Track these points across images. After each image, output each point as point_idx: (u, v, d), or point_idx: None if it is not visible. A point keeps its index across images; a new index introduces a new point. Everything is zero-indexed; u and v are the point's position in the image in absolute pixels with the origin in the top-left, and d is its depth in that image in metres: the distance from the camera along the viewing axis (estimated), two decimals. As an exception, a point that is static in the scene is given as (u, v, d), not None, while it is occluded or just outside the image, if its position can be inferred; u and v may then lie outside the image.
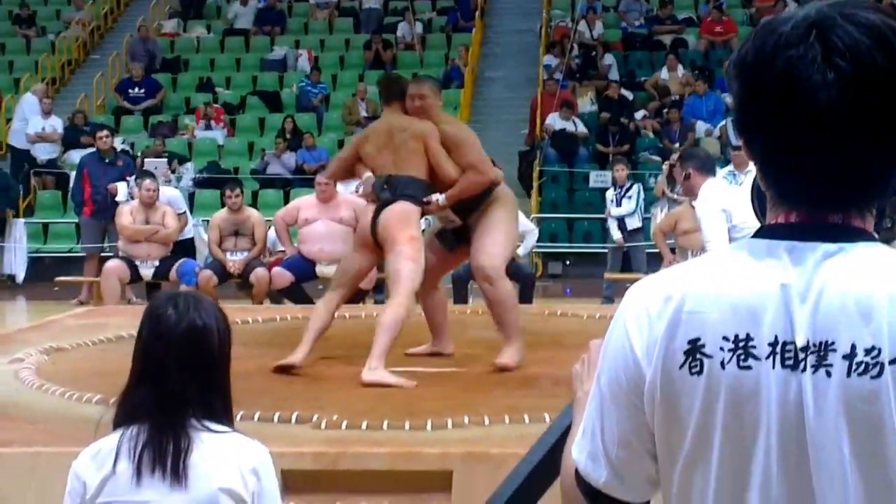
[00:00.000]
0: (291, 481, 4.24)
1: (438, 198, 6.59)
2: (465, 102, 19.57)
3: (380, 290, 11.86)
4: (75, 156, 17.00)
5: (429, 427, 5.03)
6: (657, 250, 11.88)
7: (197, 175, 17.52)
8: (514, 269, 12.39)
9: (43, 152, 17.88)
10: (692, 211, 8.26)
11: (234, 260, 11.58)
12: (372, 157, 6.69)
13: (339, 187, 10.95)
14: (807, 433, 1.48)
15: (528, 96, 19.80)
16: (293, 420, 5.14)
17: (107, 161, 14.18)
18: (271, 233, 11.92)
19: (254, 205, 14.41)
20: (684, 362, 1.53)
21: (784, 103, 1.50)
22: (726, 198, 7.39)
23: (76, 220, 15.28)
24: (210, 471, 2.72)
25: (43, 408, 5.52)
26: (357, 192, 7.81)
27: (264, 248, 11.89)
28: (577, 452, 1.66)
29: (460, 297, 11.38)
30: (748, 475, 1.51)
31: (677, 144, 16.81)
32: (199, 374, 2.77)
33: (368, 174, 6.68)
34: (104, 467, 2.73)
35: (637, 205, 14.10)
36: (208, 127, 18.89)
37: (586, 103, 19.01)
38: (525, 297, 12.18)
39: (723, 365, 1.51)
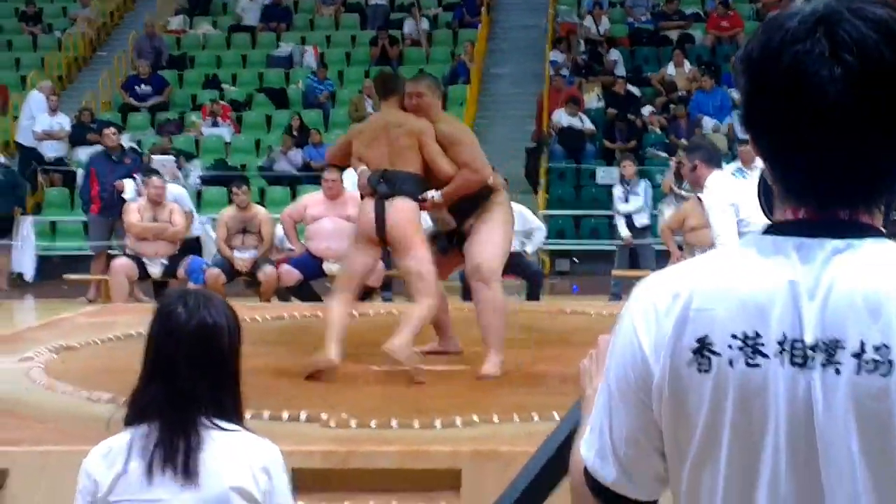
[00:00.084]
0: (301, 480, 4.24)
1: (434, 195, 6.57)
2: (472, 99, 19.56)
3: (387, 288, 11.87)
4: (82, 153, 17.02)
5: (438, 425, 5.03)
6: (665, 247, 11.86)
7: (204, 172, 17.53)
8: (521, 266, 12.43)
9: (50, 150, 17.90)
10: (700, 207, 8.23)
11: (242, 257, 11.59)
12: (366, 151, 6.66)
13: (347, 184, 10.95)
14: (816, 431, 1.48)
15: (534, 92, 19.78)
16: (302, 419, 5.15)
17: (114, 158, 14.21)
18: (279, 230, 11.92)
19: (261, 202, 14.40)
20: (692, 360, 1.53)
21: (791, 98, 1.51)
22: (733, 191, 7.36)
23: (84, 218, 15.30)
24: (221, 469, 2.72)
25: (52, 406, 5.54)
26: None
27: (272, 245, 11.89)
28: (586, 450, 1.66)
29: (469, 295, 11.36)
30: (757, 472, 1.51)
31: (684, 140, 16.78)
32: (210, 371, 2.78)
33: (363, 167, 6.67)
34: (115, 466, 2.74)
35: (645, 201, 14.09)
36: (215, 124, 18.89)
37: (593, 99, 18.98)
38: (533, 294, 12.19)
39: (731, 363, 1.51)
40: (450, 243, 6.83)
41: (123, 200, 13.12)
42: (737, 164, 11.11)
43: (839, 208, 1.54)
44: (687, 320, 1.54)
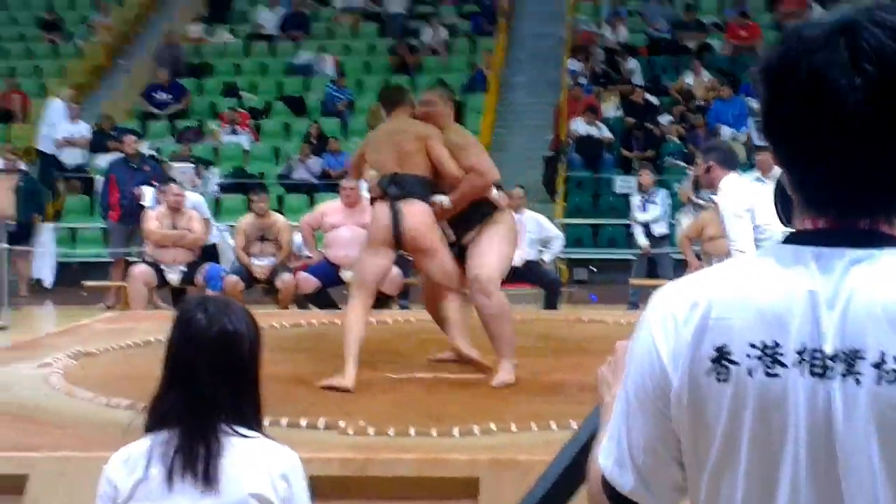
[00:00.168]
0: (319, 487, 4.24)
1: (443, 199, 6.57)
2: (490, 107, 19.57)
3: (405, 296, 11.88)
4: (102, 161, 17.09)
5: (456, 433, 5.03)
6: (683, 256, 11.85)
7: (222, 180, 17.58)
8: (539, 275, 12.43)
9: (70, 157, 17.98)
10: (718, 216, 8.17)
11: (260, 265, 11.62)
12: (375, 158, 6.70)
13: (364, 192, 10.97)
14: (836, 441, 1.48)
15: (552, 101, 19.78)
16: (320, 426, 5.16)
17: (134, 166, 14.28)
18: (297, 238, 11.94)
19: (279, 210, 14.43)
20: (711, 369, 1.53)
21: (810, 105, 1.51)
22: (749, 195, 7.27)
23: (103, 225, 15.36)
24: (241, 476, 2.73)
25: (71, 412, 5.56)
26: None
27: (290, 253, 11.92)
28: (604, 458, 1.66)
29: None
30: (776, 482, 1.51)
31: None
32: (230, 378, 2.79)
33: (373, 173, 6.72)
34: (136, 472, 2.75)
35: (663, 210, 14.07)
36: (234, 132, 18.94)
37: (611, 108, 18.97)
38: (550, 303, 12.19)
39: (750, 372, 1.51)
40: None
41: (142, 207, 13.18)
42: (755, 173, 11.09)
43: (859, 218, 1.53)
44: (705, 329, 1.53)
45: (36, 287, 15.65)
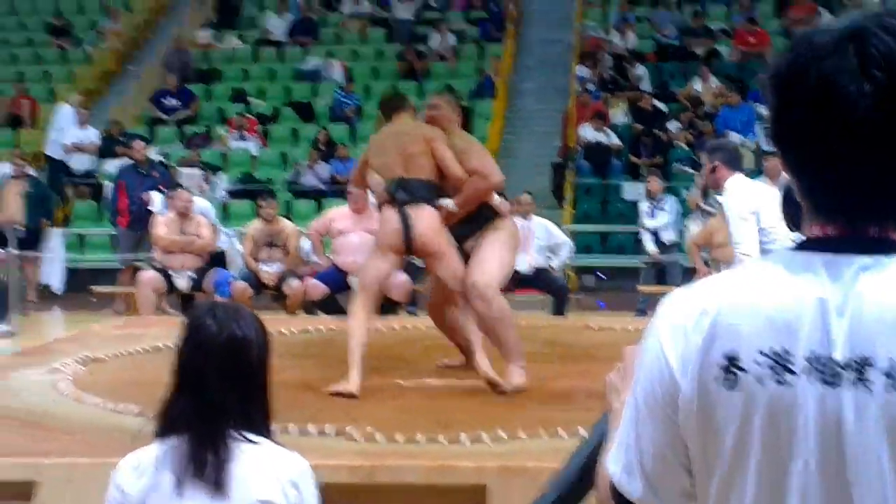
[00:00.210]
0: (327, 494, 4.24)
1: (448, 203, 6.53)
2: (498, 114, 19.58)
3: (413, 303, 11.87)
4: (111, 166, 17.12)
5: (464, 440, 5.03)
6: (692, 263, 11.83)
7: (231, 186, 17.60)
8: (547, 282, 12.43)
9: (79, 163, 18.02)
10: (725, 219, 8.08)
11: (268, 271, 11.63)
12: (379, 162, 6.66)
13: (372, 198, 10.97)
14: (846, 448, 1.48)
15: (560, 107, 19.78)
16: (328, 432, 5.16)
17: (142, 172, 14.30)
18: (305, 244, 11.95)
19: (287, 216, 14.44)
20: (720, 376, 1.53)
21: (819, 111, 1.51)
22: (755, 197, 7.19)
23: (112, 231, 15.39)
24: (250, 482, 2.73)
25: (80, 418, 5.56)
26: None
27: (298, 259, 11.93)
28: (613, 464, 1.66)
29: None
30: (786, 488, 1.51)
31: (711, 156, 16.72)
32: (239, 384, 2.79)
33: (378, 178, 6.67)
34: (145, 477, 2.75)
35: (672, 217, 14.06)
36: (242, 137, 18.97)
37: (619, 114, 18.97)
38: (558, 309, 12.19)
39: (759, 380, 1.51)
40: None
41: (151, 213, 13.20)
42: (763, 179, 11.06)
43: (868, 224, 1.54)
44: (714, 336, 1.54)
45: (44, 293, 15.67)
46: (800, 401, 1.49)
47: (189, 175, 14.84)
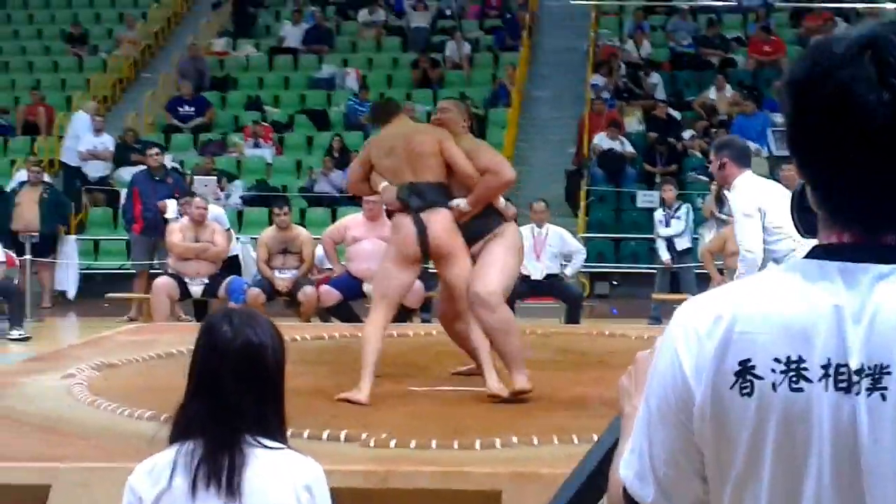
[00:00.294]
0: (340, 499, 4.25)
1: (460, 203, 6.47)
2: (512, 122, 19.59)
3: (426, 309, 11.88)
4: (126, 173, 17.16)
5: (477, 446, 5.03)
6: (706, 271, 11.82)
7: (245, 193, 17.64)
8: (561, 289, 12.43)
9: (94, 169, 18.07)
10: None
11: (283, 278, 11.66)
12: (386, 165, 6.54)
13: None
14: (861, 455, 1.48)
15: (575, 116, 19.79)
16: (342, 438, 5.16)
17: (157, 179, 14.36)
18: (319, 251, 11.97)
19: (301, 223, 14.47)
20: (735, 383, 1.52)
21: (836, 119, 1.50)
22: (762, 195, 7.10)
23: (126, 237, 15.44)
24: (264, 487, 2.74)
25: (94, 423, 5.58)
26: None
27: (312, 266, 11.95)
28: (625, 470, 1.65)
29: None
30: (800, 496, 1.51)
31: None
32: (254, 389, 2.80)
33: (385, 184, 6.54)
34: (160, 482, 2.76)
35: (686, 225, 14.04)
36: (257, 145, 19.02)
37: (633, 123, 18.97)
38: (572, 317, 12.18)
39: (774, 387, 1.50)
40: None
41: (166, 220, 13.24)
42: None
43: (885, 233, 1.53)
44: (729, 343, 1.53)
45: (59, 298, 15.73)
46: (814, 407, 1.49)
47: (204, 182, 14.87)
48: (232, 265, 12.99)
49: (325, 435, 5.16)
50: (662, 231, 14.05)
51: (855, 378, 1.48)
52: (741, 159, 7.29)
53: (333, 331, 9.09)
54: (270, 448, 2.78)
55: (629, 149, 18.00)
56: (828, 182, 1.56)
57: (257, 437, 2.77)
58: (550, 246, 12.33)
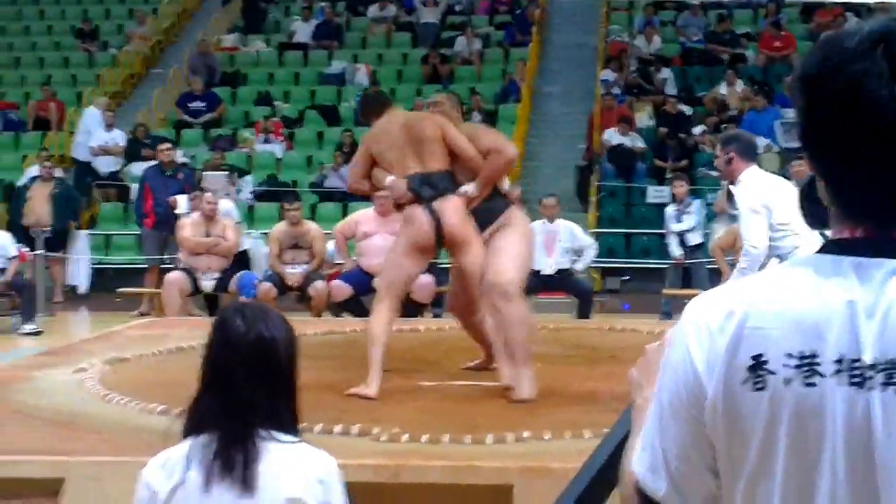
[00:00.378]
0: (351, 493, 4.26)
1: (468, 188, 6.43)
2: (523, 117, 19.57)
3: (437, 304, 11.88)
4: (137, 168, 17.20)
5: (489, 441, 5.03)
6: (717, 266, 11.80)
7: (256, 188, 17.66)
8: (572, 284, 12.43)
9: (105, 165, 18.11)
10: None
11: (293, 272, 11.67)
12: (390, 158, 6.48)
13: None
14: (875, 450, 1.48)
15: (585, 111, 19.78)
16: (353, 432, 5.17)
17: (168, 174, 14.40)
18: (330, 246, 11.98)
19: (312, 218, 14.48)
20: (747, 378, 1.53)
21: (847, 113, 1.51)
22: (769, 190, 7.07)
23: (138, 232, 15.48)
24: (278, 480, 2.74)
25: (106, 417, 5.59)
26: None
27: (323, 260, 11.97)
28: (638, 464, 1.66)
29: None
30: (814, 490, 1.51)
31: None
32: (267, 383, 2.81)
33: (391, 178, 6.47)
34: (174, 476, 2.77)
35: (698, 220, 14.02)
36: (267, 140, 19.04)
37: (644, 118, 18.95)
38: (583, 312, 12.18)
39: (786, 382, 1.50)
40: None
41: (176, 215, 13.27)
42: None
43: (898, 228, 1.54)
44: (741, 338, 1.53)
45: (71, 293, 15.77)
46: (828, 403, 1.49)
47: (215, 177, 14.90)
48: (242, 260, 13.01)
49: (336, 429, 5.17)
50: (674, 226, 14.03)
51: (869, 373, 1.48)
52: (748, 153, 7.26)
53: (344, 325, 9.10)
54: (284, 442, 2.79)
55: (640, 144, 17.98)
56: (839, 176, 1.56)
57: (270, 430, 2.78)
58: (561, 241, 12.33)
